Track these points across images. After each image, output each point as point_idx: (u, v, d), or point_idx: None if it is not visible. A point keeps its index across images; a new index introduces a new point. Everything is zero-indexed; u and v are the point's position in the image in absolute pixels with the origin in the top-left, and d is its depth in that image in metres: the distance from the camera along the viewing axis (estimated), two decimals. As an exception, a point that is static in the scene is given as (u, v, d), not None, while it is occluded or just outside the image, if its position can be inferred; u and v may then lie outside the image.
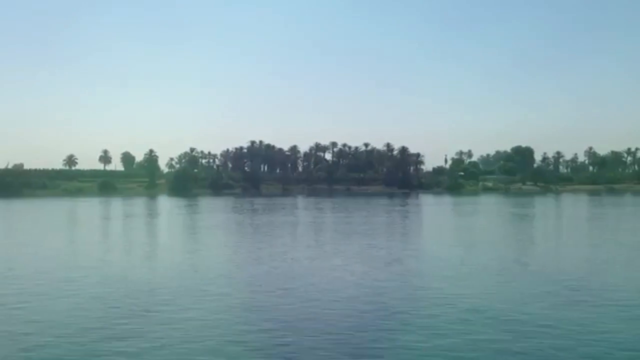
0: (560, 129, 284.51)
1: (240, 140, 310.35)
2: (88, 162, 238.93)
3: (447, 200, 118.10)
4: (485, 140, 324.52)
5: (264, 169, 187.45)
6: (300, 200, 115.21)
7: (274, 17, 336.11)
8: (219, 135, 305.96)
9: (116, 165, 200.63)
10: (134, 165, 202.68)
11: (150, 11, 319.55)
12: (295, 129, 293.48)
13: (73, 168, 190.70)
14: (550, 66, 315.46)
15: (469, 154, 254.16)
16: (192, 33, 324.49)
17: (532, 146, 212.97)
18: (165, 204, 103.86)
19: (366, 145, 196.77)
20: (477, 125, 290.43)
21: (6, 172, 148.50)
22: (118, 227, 55.57)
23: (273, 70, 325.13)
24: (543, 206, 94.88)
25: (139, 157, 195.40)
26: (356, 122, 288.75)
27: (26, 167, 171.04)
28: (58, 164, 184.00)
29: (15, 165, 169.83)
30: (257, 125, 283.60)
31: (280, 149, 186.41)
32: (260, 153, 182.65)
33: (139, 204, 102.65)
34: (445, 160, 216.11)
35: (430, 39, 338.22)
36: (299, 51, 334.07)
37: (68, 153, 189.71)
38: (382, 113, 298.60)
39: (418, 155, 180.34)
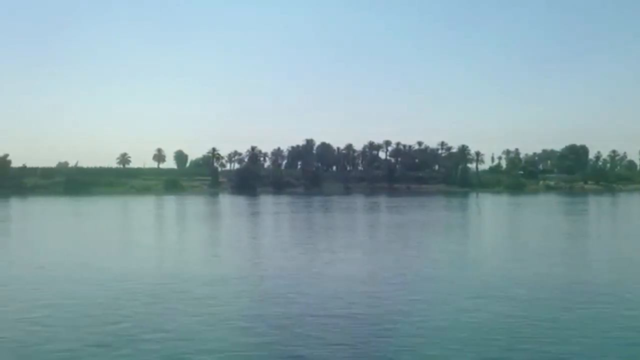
0: (572, 128, 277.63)
1: (250, 140, 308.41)
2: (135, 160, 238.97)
3: (522, 200, 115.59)
4: (488, 139, 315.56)
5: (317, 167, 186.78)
6: (373, 200, 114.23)
7: (282, 17, 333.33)
8: (225, 135, 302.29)
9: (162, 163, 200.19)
10: (188, 164, 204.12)
11: (165, 9, 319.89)
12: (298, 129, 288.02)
13: (126, 166, 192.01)
14: (564, 65, 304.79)
15: (517, 153, 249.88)
16: (202, 33, 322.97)
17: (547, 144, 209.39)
18: (250, 201, 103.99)
19: (419, 143, 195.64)
20: (481, 125, 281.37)
21: (75, 170, 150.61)
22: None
23: (276, 69, 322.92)
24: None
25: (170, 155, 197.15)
26: (355, 121, 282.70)
27: (70, 165, 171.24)
28: (102, 162, 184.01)
29: (59, 164, 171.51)
30: (261, 125, 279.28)
31: (338, 148, 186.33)
32: (318, 151, 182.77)
33: (229, 203, 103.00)
34: (492, 159, 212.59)
35: (432, 37, 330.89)
36: (306, 50, 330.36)
37: (117, 151, 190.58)
38: (382, 112, 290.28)
39: (478, 154, 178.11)
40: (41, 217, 69.27)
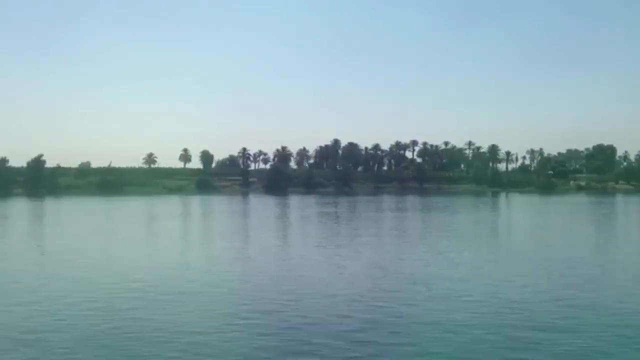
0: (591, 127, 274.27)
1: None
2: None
3: (561, 200, 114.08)
4: (501, 140, 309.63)
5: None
6: (414, 200, 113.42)
7: (299, 18, 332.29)
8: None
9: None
10: (214, 164, 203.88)
11: (186, 8, 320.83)
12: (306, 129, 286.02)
13: (152, 166, 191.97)
14: (575, 65, 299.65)
15: (541, 153, 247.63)
16: (218, 34, 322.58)
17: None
18: (290, 202, 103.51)
19: (446, 143, 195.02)
20: (489, 125, 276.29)
21: (108, 171, 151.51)
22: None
23: (292, 69, 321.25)
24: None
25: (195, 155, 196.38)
26: (361, 122, 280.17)
27: (93, 165, 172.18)
28: (127, 162, 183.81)
29: (81, 164, 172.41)
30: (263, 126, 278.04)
31: (366, 148, 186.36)
32: (344, 151, 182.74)
33: (272, 203, 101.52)
34: (516, 159, 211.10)
35: (437, 35, 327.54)
36: (321, 51, 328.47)
37: (140, 151, 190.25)
38: (386, 113, 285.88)
39: (508, 153, 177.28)
40: (92, 217, 69.17)
